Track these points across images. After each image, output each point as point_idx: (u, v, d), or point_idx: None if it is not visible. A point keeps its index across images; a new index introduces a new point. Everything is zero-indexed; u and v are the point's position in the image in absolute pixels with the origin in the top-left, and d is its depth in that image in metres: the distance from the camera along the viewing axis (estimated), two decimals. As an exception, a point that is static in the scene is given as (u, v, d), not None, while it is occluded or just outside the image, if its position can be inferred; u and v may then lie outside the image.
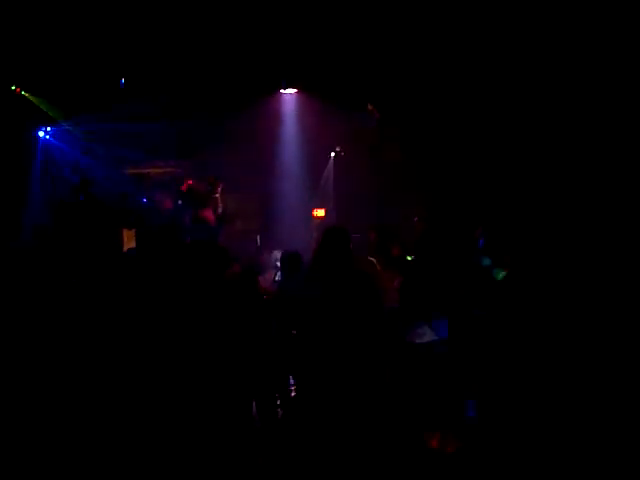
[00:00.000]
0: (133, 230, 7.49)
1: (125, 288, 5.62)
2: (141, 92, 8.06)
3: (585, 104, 6.68)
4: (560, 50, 6.95)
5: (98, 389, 4.85)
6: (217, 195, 7.41)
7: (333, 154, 10.79)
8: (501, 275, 5.65)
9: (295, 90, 9.56)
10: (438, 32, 7.75)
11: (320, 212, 10.63)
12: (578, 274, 5.70)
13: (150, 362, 4.84)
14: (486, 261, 5.87)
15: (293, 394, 5.55)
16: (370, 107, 9.79)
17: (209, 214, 6.80)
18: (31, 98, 8.23)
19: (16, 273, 6.21)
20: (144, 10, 7.24)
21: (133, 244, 7.52)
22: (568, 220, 6.68)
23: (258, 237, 9.42)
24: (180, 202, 7.34)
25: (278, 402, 5.38)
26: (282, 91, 9.51)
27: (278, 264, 7.21)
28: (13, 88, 8.11)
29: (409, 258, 6.23)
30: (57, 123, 8.68)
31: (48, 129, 8.47)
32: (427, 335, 5.26)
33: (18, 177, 7.87)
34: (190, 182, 7.29)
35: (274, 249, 7.74)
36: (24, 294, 5.97)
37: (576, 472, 4.24)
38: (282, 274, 5.91)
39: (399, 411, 4.61)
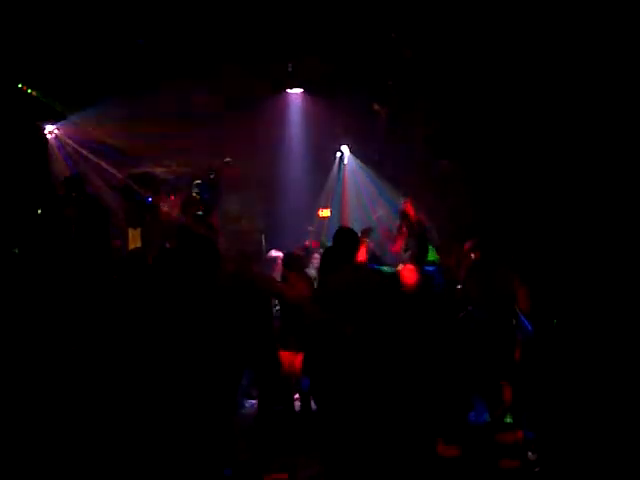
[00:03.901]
0: (138, 229, 7.51)
1: (129, 287, 5.64)
2: (145, 90, 8.04)
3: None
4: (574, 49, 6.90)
5: (95, 385, 4.88)
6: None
7: (339, 154, 10.78)
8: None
9: (301, 90, 9.53)
10: (446, 29, 7.71)
11: (325, 212, 10.62)
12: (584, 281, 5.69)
13: (148, 360, 4.86)
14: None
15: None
16: (376, 106, 9.76)
17: (215, 219, 6.84)
18: (37, 94, 8.23)
19: (21, 273, 6.26)
20: (152, 6, 7.25)
21: (139, 243, 7.55)
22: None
23: (263, 237, 9.43)
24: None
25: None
26: (288, 90, 9.48)
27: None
28: (20, 86, 8.11)
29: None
30: (64, 119, 8.67)
31: (54, 127, 8.47)
32: None
33: (25, 174, 7.88)
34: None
35: (279, 249, 7.77)
36: (30, 293, 6.01)
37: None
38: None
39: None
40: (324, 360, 4.14)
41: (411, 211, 7.33)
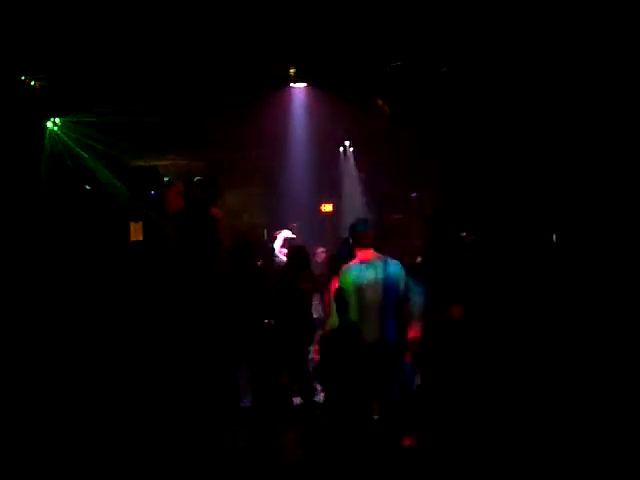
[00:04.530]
0: (140, 222, 7.49)
1: (129, 280, 5.65)
2: (148, 83, 8.02)
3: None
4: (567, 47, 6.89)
5: (97, 380, 4.89)
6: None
7: (342, 149, 10.79)
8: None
9: (305, 84, 9.49)
10: (450, 25, 7.68)
11: (328, 207, 10.61)
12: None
13: (151, 353, 4.86)
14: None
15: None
16: (380, 102, 9.73)
17: (216, 211, 6.82)
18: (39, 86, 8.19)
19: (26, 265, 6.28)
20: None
21: (140, 237, 7.53)
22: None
23: (265, 231, 9.42)
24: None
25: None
26: (292, 85, 9.44)
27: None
28: (23, 78, 8.08)
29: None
30: (66, 113, 8.64)
31: (56, 120, 8.43)
32: None
33: (27, 168, 7.87)
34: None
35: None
36: (32, 285, 6.02)
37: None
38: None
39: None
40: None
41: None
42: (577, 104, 6.91)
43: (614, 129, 6.53)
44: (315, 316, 6.01)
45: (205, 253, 5.20)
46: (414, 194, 8.33)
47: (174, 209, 7.56)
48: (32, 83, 8.13)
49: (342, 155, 10.93)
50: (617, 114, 6.51)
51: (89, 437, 4.62)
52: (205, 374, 4.98)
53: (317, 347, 5.41)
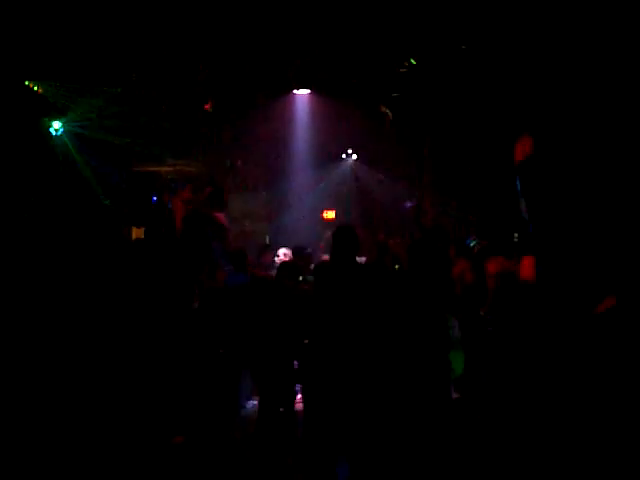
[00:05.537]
0: (142, 228, 7.51)
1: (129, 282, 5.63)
2: (151, 89, 8.05)
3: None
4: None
5: (96, 379, 4.86)
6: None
7: (345, 155, 10.79)
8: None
9: (308, 91, 9.50)
10: (452, 32, 7.68)
11: (330, 214, 10.60)
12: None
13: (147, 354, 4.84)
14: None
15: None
16: (383, 108, 9.74)
17: (221, 216, 6.81)
18: (42, 91, 8.22)
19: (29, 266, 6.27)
20: (159, 7, 7.24)
21: (142, 235, 7.56)
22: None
23: (267, 237, 9.41)
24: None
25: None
26: (295, 91, 9.45)
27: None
28: (27, 83, 8.11)
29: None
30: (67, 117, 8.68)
31: (59, 124, 8.46)
32: None
33: (33, 172, 7.89)
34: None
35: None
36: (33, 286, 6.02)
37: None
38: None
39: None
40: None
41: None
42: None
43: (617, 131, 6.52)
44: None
45: (209, 258, 5.18)
46: (409, 203, 8.21)
47: (180, 215, 7.58)
48: (35, 88, 8.17)
49: (345, 161, 10.94)
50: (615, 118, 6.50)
51: (91, 437, 4.59)
52: (206, 377, 4.95)
53: None
